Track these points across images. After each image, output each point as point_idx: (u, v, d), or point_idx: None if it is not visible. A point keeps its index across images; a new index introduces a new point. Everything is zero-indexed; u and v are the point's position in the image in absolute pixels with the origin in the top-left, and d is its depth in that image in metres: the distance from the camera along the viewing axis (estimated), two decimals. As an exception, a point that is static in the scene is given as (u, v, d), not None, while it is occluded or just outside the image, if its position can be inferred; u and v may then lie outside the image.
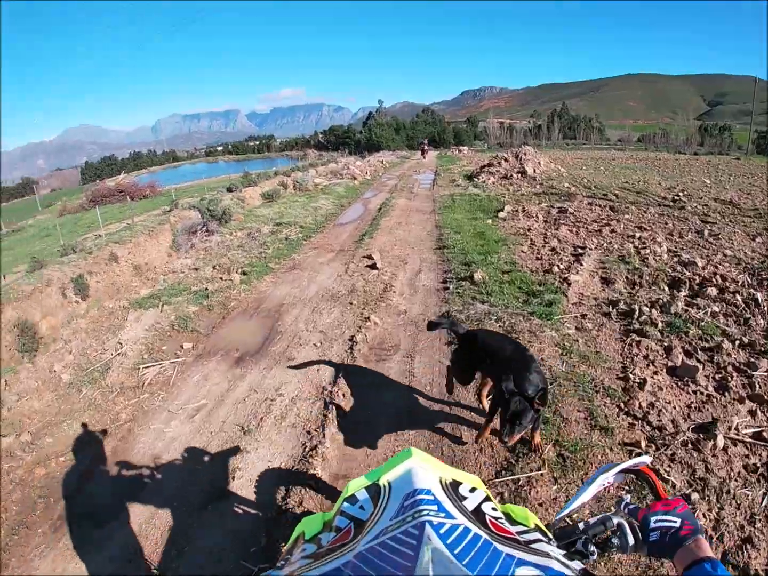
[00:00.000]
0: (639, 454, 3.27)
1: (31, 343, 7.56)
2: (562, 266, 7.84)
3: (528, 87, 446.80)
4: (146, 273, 11.32)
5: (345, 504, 0.97)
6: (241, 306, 7.68)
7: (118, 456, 4.24)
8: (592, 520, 1.08)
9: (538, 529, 1.00)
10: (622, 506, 1.11)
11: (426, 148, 46.68)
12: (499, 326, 5.73)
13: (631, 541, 1.03)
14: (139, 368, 5.94)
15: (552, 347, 5.18)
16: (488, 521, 0.85)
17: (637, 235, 9.85)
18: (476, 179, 21.09)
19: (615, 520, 1.07)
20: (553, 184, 18.66)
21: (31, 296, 8.96)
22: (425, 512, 0.76)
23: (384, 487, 0.94)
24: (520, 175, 21.24)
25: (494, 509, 0.93)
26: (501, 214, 12.75)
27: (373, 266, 8.86)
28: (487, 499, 0.95)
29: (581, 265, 7.76)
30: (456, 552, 0.67)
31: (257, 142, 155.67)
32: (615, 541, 1.03)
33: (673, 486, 3.13)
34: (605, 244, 9.27)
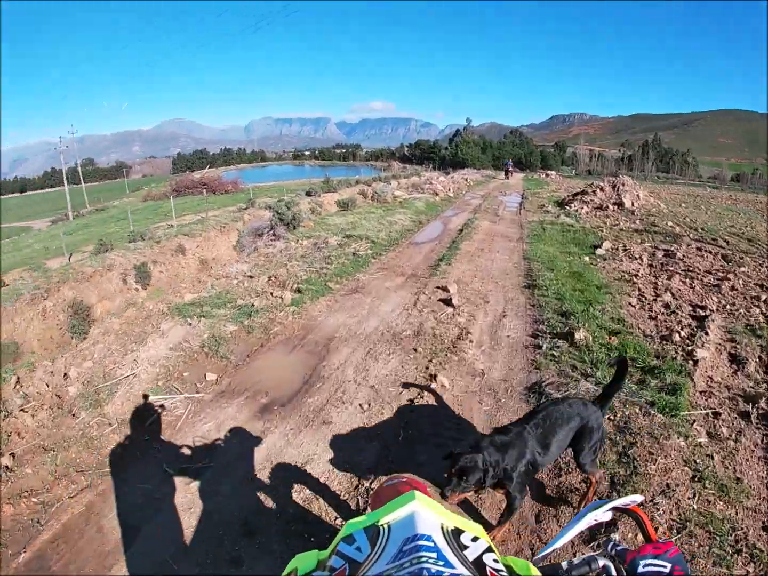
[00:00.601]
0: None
1: (82, 326, 7.48)
2: (683, 333, 6.14)
3: (619, 116, 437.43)
4: (208, 271, 10.59)
5: (341, 544, 0.90)
6: (286, 332, 6.49)
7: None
8: (576, 560, 1.04)
9: None
10: (609, 546, 1.08)
11: (511, 169, 45.42)
12: (608, 419, 4.19)
13: None
14: (147, 397, 4.92)
15: (680, 466, 3.63)
16: (489, 573, 0.80)
17: (763, 297, 7.93)
18: (568, 207, 19.37)
19: (600, 562, 1.04)
20: (654, 221, 16.69)
21: (91, 278, 8.87)
22: (424, 559, 0.74)
23: (383, 529, 0.89)
24: (616, 207, 19.33)
25: (496, 561, 0.85)
26: (599, 251, 11.17)
27: (447, 301, 7.47)
28: (489, 549, 0.87)
29: (706, 334, 6.05)
30: None
31: (343, 150, 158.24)
32: None
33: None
34: (728, 306, 7.49)
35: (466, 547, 0.86)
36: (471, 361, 5.52)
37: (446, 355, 5.65)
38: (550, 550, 1.15)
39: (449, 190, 25.33)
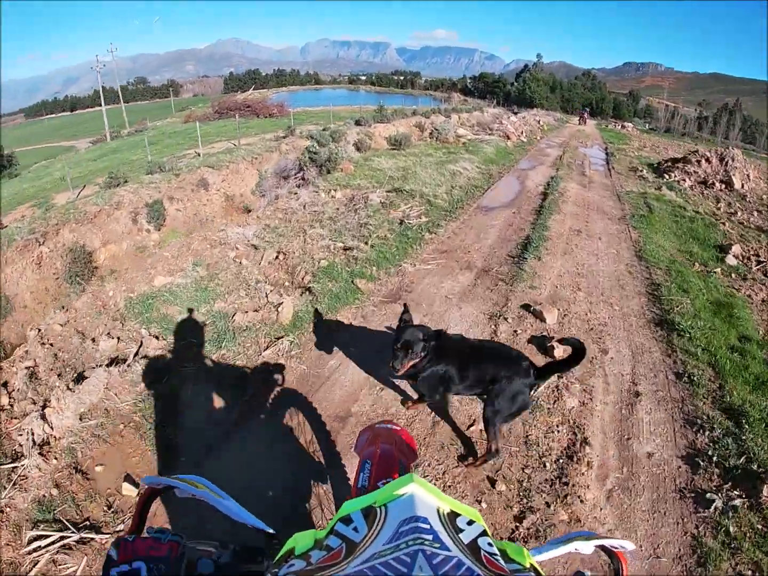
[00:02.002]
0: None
1: (83, 274, 7.03)
2: None
3: (696, 72, 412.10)
4: (204, 232, 8.17)
5: (338, 524, 0.87)
6: (265, 403, 3.76)
7: None
8: None
9: (533, 569, 0.92)
10: None
11: (586, 116, 41.66)
12: None
13: None
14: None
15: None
16: (483, 557, 0.76)
17: None
18: (667, 177, 15.77)
19: None
20: None
21: (95, 219, 8.03)
22: (420, 541, 0.72)
23: (380, 510, 0.85)
24: (724, 186, 15.64)
25: (490, 545, 0.82)
26: (729, 260, 7.96)
27: (544, 346, 4.57)
28: (483, 533, 0.83)
29: None
30: None
31: (401, 77, 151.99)
32: None
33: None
34: None
35: (461, 531, 0.82)
36: (589, 521, 2.86)
37: (548, 506, 2.92)
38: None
39: (521, 133, 21.67)
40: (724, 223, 10.79)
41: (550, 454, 3.29)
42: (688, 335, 5.04)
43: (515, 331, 4.76)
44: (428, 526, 0.77)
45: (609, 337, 4.92)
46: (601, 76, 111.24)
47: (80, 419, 3.35)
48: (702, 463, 3.27)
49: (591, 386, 4.07)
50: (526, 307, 5.24)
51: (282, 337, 4.38)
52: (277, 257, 6.23)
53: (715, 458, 3.31)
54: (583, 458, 3.24)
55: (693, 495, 3.03)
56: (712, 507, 2.92)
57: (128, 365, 3.94)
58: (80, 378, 3.82)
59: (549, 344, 4.47)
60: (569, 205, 10.05)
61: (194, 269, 6.01)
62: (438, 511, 0.86)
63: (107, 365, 3.97)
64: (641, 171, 16.50)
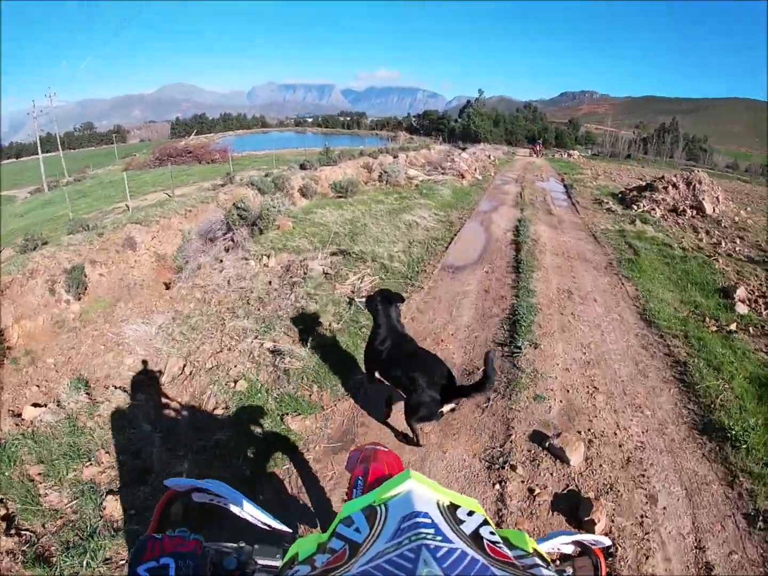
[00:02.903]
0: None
1: None
2: None
3: (630, 97, 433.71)
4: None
5: (340, 526, 0.85)
6: None
7: None
8: None
9: (536, 554, 0.91)
10: None
11: (539, 148, 41.14)
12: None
13: None
14: None
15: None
16: (486, 545, 0.76)
17: None
18: (636, 207, 14.78)
19: None
20: (759, 242, 12.13)
21: (7, 290, 6.85)
22: (422, 535, 0.70)
23: (380, 509, 0.84)
24: (695, 212, 14.76)
25: (492, 533, 0.81)
26: (740, 308, 6.75)
27: (573, 509, 3.06)
28: (485, 522, 0.83)
29: None
30: None
31: (347, 118, 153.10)
32: None
33: None
34: None
35: (462, 522, 0.81)
36: None
37: None
38: None
39: (475, 170, 20.57)
40: (717, 260, 9.65)
41: None
42: (744, 445, 3.63)
43: (531, 490, 3.14)
44: (429, 520, 0.76)
45: (653, 470, 3.39)
46: (540, 107, 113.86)
47: None
48: None
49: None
50: (537, 438, 3.62)
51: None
52: (182, 371, 4.52)
53: None
54: None
55: None
56: None
57: None
58: None
59: (586, 517, 2.87)
60: (547, 255, 8.64)
61: (71, 394, 4.24)
62: (438, 504, 0.84)
63: None
64: (607, 203, 15.53)
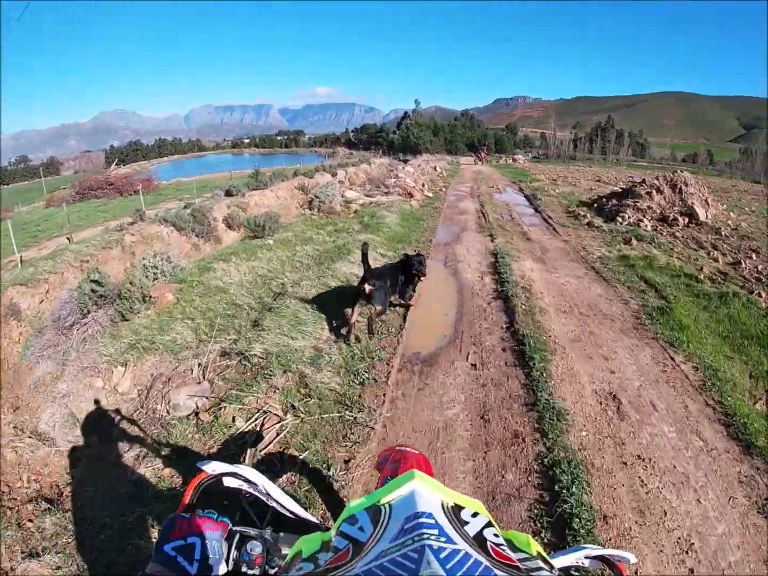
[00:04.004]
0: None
1: None
2: None
3: (562, 99, 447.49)
4: None
5: (344, 524, 0.88)
6: None
7: None
8: None
9: (540, 556, 0.92)
10: None
11: (483, 155, 38.96)
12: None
13: None
14: None
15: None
16: (490, 547, 0.78)
17: None
18: (620, 219, 12.42)
19: None
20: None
21: None
22: (426, 536, 0.72)
23: (384, 508, 0.88)
24: (687, 219, 12.46)
25: (496, 535, 0.83)
26: None
27: None
28: (489, 524, 0.85)
29: None
30: None
31: (285, 137, 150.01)
32: None
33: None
34: None
35: (466, 523, 0.83)
36: None
37: None
38: None
39: (423, 186, 17.81)
40: (759, 293, 7.23)
41: None
42: None
43: None
44: (433, 521, 0.77)
45: None
46: (477, 115, 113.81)
47: None
48: None
49: None
50: None
51: None
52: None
53: None
54: None
55: None
56: None
57: None
58: None
59: None
60: (552, 315, 5.88)
61: None
62: (442, 504, 0.85)
63: None
64: (584, 215, 13.09)
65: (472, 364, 4.68)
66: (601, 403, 4.13)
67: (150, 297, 6.42)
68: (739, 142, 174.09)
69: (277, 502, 1.09)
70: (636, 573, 2.59)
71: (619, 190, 15.54)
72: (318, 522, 1.10)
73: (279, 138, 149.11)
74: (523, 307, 5.99)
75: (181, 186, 35.15)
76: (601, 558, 1.07)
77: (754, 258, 9.68)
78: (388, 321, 5.63)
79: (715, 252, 9.90)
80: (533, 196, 16.97)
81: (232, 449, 3.51)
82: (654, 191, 13.57)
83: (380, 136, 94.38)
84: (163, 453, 3.61)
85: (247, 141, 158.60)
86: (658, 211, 12.86)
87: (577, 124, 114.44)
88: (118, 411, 4.23)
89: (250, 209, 12.29)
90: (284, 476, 3.21)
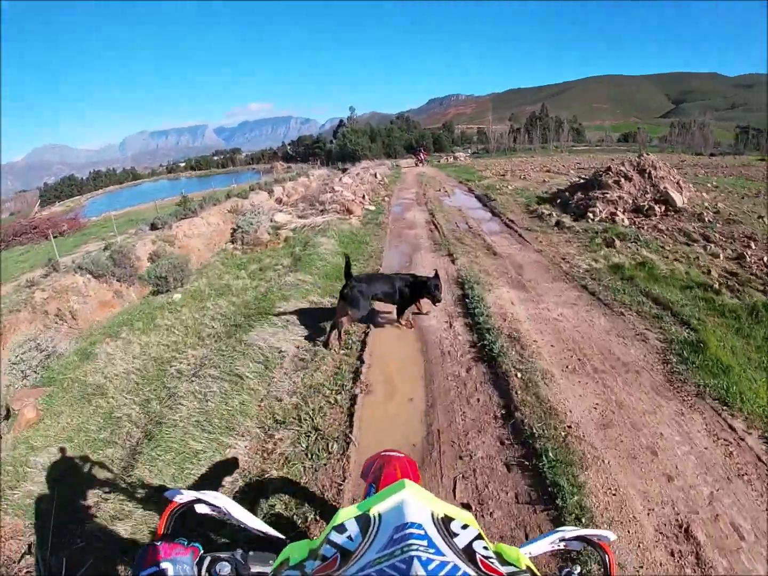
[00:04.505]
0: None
1: None
2: None
3: (494, 93, 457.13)
4: None
5: (333, 533, 0.88)
6: None
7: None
8: None
9: (529, 571, 0.92)
10: None
11: (423, 156, 38.20)
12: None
13: None
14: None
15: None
16: (479, 560, 0.78)
17: None
18: (591, 214, 10.97)
19: None
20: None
21: None
22: (414, 547, 0.73)
23: (374, 518, 0.88)
24: (663, 207, 11.01)
25: (485, 548, 0.83)
26: None
27: None
28: (478, 537, 0.85)
29: None
30: None
31: (221, 156, 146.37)
32: None
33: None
34: None
35: (456, 535, 0.84)
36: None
37: None
38: None
39: (364, 198, 15.97)
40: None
41: None
42: None
43: None
44: (422, 532, 0.77)
45: None
46: (412, 117, 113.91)
47: None
48: None
49: None
50: None
51: None
52: None
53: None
54: None
55: None
56: None
57: None
58: None
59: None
60: (560, 381, 4.10)
61: None
62: (432, 515, 0.85)
63: None
64: (548, 214, 11.54)
65: (463, 505, 2.83)
66: (673, 553, 2.49)
67: (13, 411, 4.46)
68: (669, 117, 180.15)
69: (239, 521, 1.06)
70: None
71: (580, 180, 14.09)
72: (282, 537, 1.09)
73: (216, 158, 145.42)
74: (518, 373, 4.20)
75: (108, 222, 32.85)
76: (581, 539, 1.06)
77: (754, 247, 8.28)
78: (327, 433, 3.72)
79: (711, 245, 8.44)
80: (486, 197, 15.36)
81: None
82: (622, 179, 12.09)
83: (317, 146, 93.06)
84: None
85: (182, 165, 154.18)
86: (630, 201, 11.39)
87: (512, 116, 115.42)
88: None
89: (178, 241, 10.64)
90: None
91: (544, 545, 1.07)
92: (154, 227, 13.62)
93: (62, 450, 3.90)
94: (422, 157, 37.23)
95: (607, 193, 11.71)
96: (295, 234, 10.76)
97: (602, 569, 1.02)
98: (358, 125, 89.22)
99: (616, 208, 11.04)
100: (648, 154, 13.08)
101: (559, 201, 12.93)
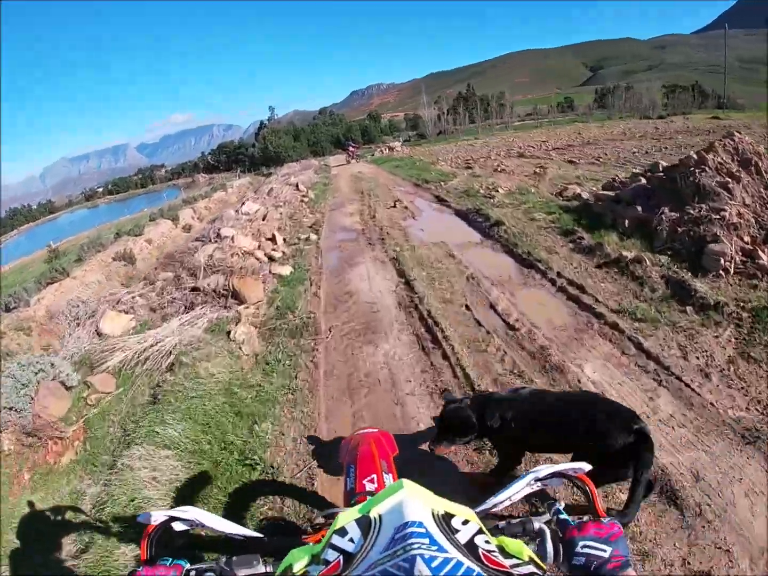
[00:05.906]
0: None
1: None
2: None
3: (414, 79, 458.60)
4: None
5: (334, 536, 0.88)
6: None
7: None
8: (513, 521, 1.05)
9: (532, 562, 0.93)
10: (552, 511, 1.06)
11: (352, 149, 32.70)
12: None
13: (550, 550, 0.99)
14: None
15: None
16: (481, 554, 0.79)
17: None
18: (722, 259, 5.28)
19: (536, 525, 1.03)
20: None
21: None
22: (416, 545, 0.73)
23: (375, 519, 0.87)
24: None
25: (487, 542, 0.85)
26: None
27: None
28: (480, 531, 0.86)
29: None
30: None
31: (141, 176, 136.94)
32: (532, 547, 0.98)
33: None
34: None
35: (457, 531, 0.84)
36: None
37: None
38: (484, 507, 1.09)
39: (272, 238, 9.74)
40: None
41: None
42: None
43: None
44: (423, 530, 0.76)
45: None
46: (335, 111, 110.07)
47: None
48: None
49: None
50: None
51: None
52: None
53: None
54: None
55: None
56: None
57: None
58: None
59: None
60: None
61: None
62: (432, 513, 0.84)
63: None
64: (633, 263, 5.85)
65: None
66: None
67: None
68: (589, 84, 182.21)
69: (213, 529, 1.06)
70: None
71: (640, 180, 7.92)
72: (260, 536, 1.10)
73: (135, 178, 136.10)
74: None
75: (9, 273, 26.03)
76: (557, 474, 1.07)
77: None
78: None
79: None
80: (477, 213, 9.41)
81: None
82: (728, 179, 6.42)
83: (240, 152, 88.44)
84: None
85: (100, 190, 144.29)
86: (753, 221, 5.79)
87: (439, 99, 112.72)
88: None
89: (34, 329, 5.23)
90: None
91: (520, 488, 1.06)
92: (8, 309, 10.17)
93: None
94: (354, 151, 31.57)
95: (723, 210, 5.97)
96: (113, 395, 4.68)
97: (587, 503, 1.03)
98: (280, 125, 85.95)
99: (742, 238, 5.46)
100: (738, 133, 7.59)
101: (614, 219, 7.16)
